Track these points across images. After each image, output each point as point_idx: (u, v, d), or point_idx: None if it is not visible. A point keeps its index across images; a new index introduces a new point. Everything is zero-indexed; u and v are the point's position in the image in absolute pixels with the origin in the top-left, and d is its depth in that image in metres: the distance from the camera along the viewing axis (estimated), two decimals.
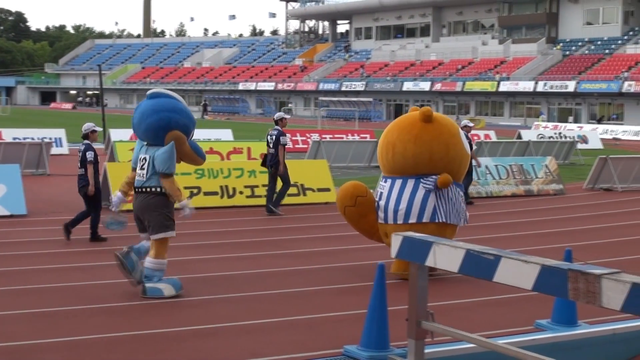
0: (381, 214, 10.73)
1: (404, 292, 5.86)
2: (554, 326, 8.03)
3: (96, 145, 14.06)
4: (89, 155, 13.21)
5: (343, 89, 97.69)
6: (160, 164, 9.46)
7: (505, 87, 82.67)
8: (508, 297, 9.63)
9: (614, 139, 54.05)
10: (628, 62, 78.39)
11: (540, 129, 51.54)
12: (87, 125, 13.48)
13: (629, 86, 72.62)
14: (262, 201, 17.76)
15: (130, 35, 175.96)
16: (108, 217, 10.43)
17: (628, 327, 7.93)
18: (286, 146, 17.15)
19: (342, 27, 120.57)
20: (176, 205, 9.67)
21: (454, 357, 6.86)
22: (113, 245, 12.24)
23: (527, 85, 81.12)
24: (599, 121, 72.98)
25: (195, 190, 17.81)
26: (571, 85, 77.30)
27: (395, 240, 6.21)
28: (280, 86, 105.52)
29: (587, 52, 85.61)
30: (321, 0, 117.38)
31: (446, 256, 5.76)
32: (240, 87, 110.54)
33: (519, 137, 38.29)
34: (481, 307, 9.38)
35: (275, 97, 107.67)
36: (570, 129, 52.93)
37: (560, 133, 45.30)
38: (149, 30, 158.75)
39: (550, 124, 61.32)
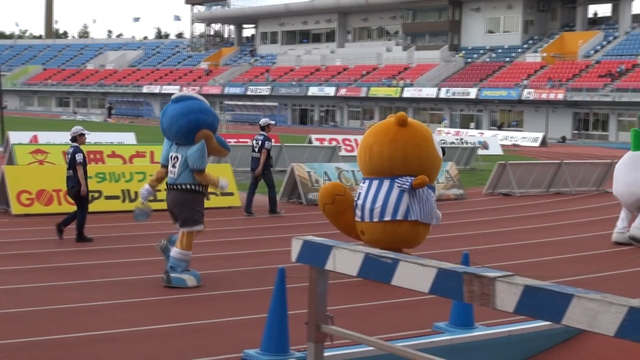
0: (358, 212, 11.37)
1: (304, 296, 5.89)
2: (451, 328, 8.15)
3: None
4: (79, 157, 13.68)
5: (248, 93, 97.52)
6: (193, 162, 10.32)
7: (408, 93, 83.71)
8: (408, 300, 9.76)
9: (514, 145, 55.23)
10: (527, 70, 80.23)
11: (443, 135, 52.31)
12: (76, 129, 14.04)
13: (528, 94, 74.34)
14: (164, 205, 17.58)
15: (32, 36, 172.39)
16: (136, 209, 11.30)
17: (523, 328, 8.10)
18: (269, 150, 18.28)
19: (248, 31, 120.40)
20: (212, 189, 10.79)
21: (353, 359, 6.92)
22: (100, 245, 11.96)
23: (430, 92, 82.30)
24: (500, 127, 74.53)
25: (96, 194, 17.55)
26: (473, 92, 78.75)
27: (296, 244, 6.23)
28: (185, 89, 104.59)
29: (488, 59, 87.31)
30: (227, 4, 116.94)
31: (345, 260, 5.79)
32: (145, 90, 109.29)
33: None
34: (381, 310, 9.48)
35: None
36: (471, 135, 53.91)
37: (461, 139, 46.08)
38: (51, 31, 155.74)
39: (452, 130, 62.29)
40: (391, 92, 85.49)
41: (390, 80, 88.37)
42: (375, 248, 10.52)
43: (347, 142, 38.84)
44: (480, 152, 37.87)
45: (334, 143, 35.05)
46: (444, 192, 22.13)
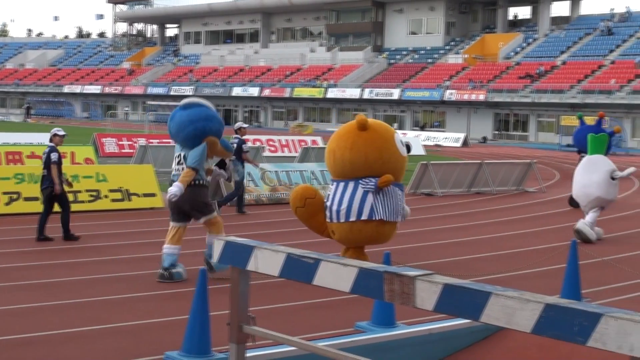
0: (328, 214, 11.77)
1: (226, 297, 5.88)
2: (373, 327, 8.21)
3: None
4: (54, 156, 13.97)
5: (172, 93, 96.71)
6: (191, 159, 10.83)
7: (332, 94, 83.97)
8: (330, 300, 9.79)
9: (436, 145, 55.82)
10: (449, 72, 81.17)
11: None
12: (52, 130, 14.60)
13: (450, 94, 75.20)
14: (85, 206, 17.41)
15: None
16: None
17: (443, 327, 8.20)
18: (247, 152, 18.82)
19: (171, 31, 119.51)
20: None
21: (275, 359, 6.92)
22: (19, 248, 11.67)
23: (353, 93, 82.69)
24: (422, 128, 75.25)
25: (14, 196, 17.25)
26: (396, 93, 79.36)
27: (217, 245, 6.20)
28: (107, 89, 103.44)
29: (411, 61, 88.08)
30: (150, 3, 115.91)
31: (267, 260, 5.79)
32: (66, 89, 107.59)
33: None
34: (303, 310, 9.50)
35: (102, 101, 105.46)
36: None
37: None
38: None
39: None
40: (315, 92, 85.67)
41: (314, 80, 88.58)
42: (346, 246, 11.61)
43: (271, 143, 38.86)
44: None
45: (257, 144, 35.01)
46: None
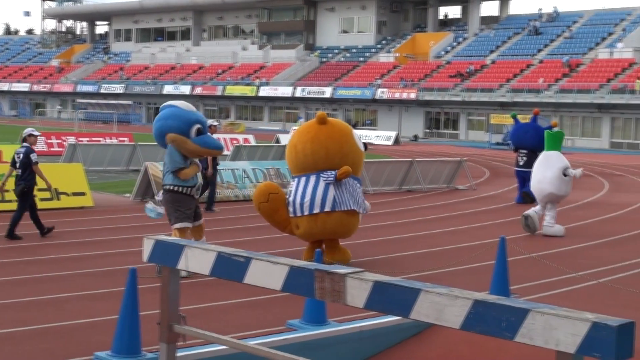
0: (291, 209, 12.14)
1: (157, 296, 5.84)
2: (304, 325, 8.21)
3: None
4: (33, 157, 14.27)
5: (102, 91, 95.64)
6: (166, 165, 11.20)
7: (264, 92, 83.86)
8: (262, 298, 9.77)
9: (368, 143, 56.06)
10: (381, 70, 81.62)
11: None
12: (27, 130, 14.80)
13: (381, 93, 75.64)
14: (13, 206, 17.08)
15: None
16: (150, 204, 12.01)
17: (374, 324, 8.24)
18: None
19: (101, 28, 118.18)
20: (195, 169, 11.24)
21: (206, 359, 6.88)
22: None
23: (285, 91, 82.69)
24: (354, 126, 75.40)
25: None
26: (328, 91, 79.56)
27: (147, 244, 6.15)
28: (35, 87, 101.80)
29: (342, 59, 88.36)
30: (79, 0, 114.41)
31: (198, 259, 5.75)
32: None
33: (277, 141, 38.97)
34: (235, 309, 9.47)
35: (31, 99, 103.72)
36: None
37: None
38: None
39: None
40: (247, 90, 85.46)
41: (247, 79, 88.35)
42: (310, 241, 11.86)
43: None
44: None
45: None
46: None
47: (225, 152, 35.88)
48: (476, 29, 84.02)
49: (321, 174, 11.96)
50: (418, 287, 4.30)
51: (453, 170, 26.35)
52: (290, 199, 12.16)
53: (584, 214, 20.49)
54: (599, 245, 15.51)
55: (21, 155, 14.31)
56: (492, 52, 78.65)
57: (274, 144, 35.26)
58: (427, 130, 74.75)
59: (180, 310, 6.09)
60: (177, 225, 11.21)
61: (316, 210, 11.89)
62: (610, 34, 73.49)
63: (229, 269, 5.52)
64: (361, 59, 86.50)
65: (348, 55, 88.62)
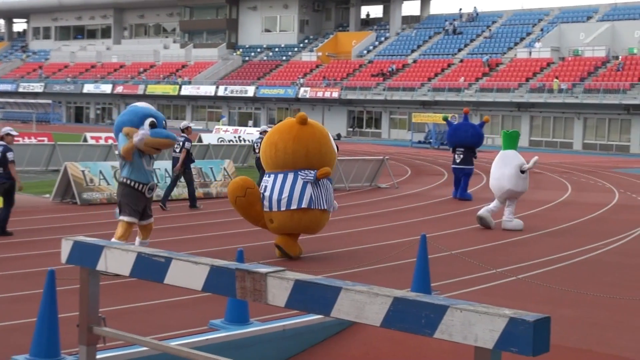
0: (266, 203, 12.66)
1: (77, 298, 5.75)
2: (227, 325, 8.18)
3: None
4: (10, 155, 14.77)
5: (20, 90, 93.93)
6: (120, 151, 11.48)
7: (187, 91, 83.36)
8: (185, 298, 9.70)
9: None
10: (303, 69, 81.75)
11: (221, 133, 52.32)
12: (4, 129, 15.21)
13: (304, 92, 75.78)
14: None
15: None
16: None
17: (297, 322, 8.25)
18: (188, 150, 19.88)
19: (19, 25, 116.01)
20: (134, 140, 11.37)
21: None
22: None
23: (208, 90, 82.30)
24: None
25: None
26: (251, 90, 79.42)
27: (66, 245, 6.05)
28: None
29: (265, 58, 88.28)
30: None
31: (117, 260, 5.68)
32: None
33: (200, 140, 38.72)
34: (156, 310, 9.38)
35: None
36: (250, 133, 54.18)
37: (240, 137, 46.29)
38: None
39: (230, 128, 62.46)
40: (169, 89, 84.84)
41: (168, 77, 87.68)
42: (282, 235, 12.35)
43: None
44: None
45: (110, 142, 34.36)
46: (222, 189, 22.18)
47: None
48: (398, 29, 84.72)
49: (299, 173, 12.56)
50: (338, 286, 4.31)
51: (375, 169, 26.51)
52: (266, 194, 12.67)
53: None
54: (518, 242, 15.77)
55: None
56: (413, 51, 79.39)
57: (197, 144, 35.01)
58: (350, 129, 75.12)
59: (101, 312, 6.01)
60: (124, 218, 11.47)
61: (294, 206, 12.50)
62: (528, 33, 74.79)
63: (149, 270, 5.47)
64: (284, 58, 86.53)
65: (271, 54, 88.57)
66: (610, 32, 67.51)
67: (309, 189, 12.58)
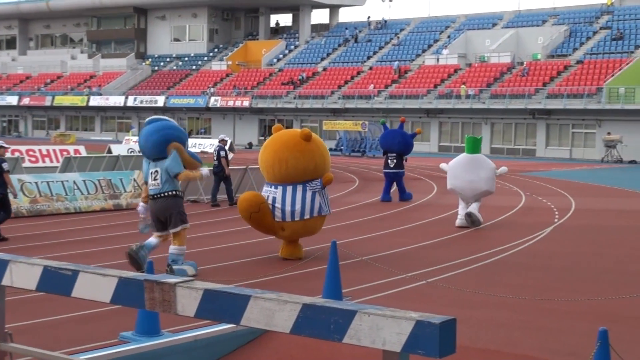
0: (279, 214, 13.64)
1: None
2: (137, 337, 8.10)
3: None
4: (5, 165, 16.05)
5: None
6: (172, 169, 12.19)
7: (95, 101, 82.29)
8: (94, 311, 9.56)
9: (202, 152, 55.79)
10: (214, 78, 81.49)
11: (131, 144, 51.78)
12: None
13: (215, 101, 75.51)
14: None
15: None
16: (140, 224, 13.06)
17: (209, 332, 8.22)
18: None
19: None
20: (196, 174, 12.81)
21: None
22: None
23: (117, 100, 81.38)
24: (189, 135, 74.98)
25: None
26: (161, 100, 78.81)
27: None
28: None
29: (175, 67, 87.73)
30: None
31: (23, 274, 5.59)
32: None
33: (109, 151, 38.27)
34: (66, 324, 9.24)
35: None
36: None
37: None
38: None
39: None
40: (77, 100, 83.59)
41: (76, 88, 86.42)
42: (287, 245, 13.52)
43: (31, 153, 37.52)
44: None
45: (17, 154, 33.74)
46: (132, 200, 21.95)
47: (55, 164, 34.97)
48: (307, 37, 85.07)
49: (308, 185, 13.69)
50: (247, 294, 4.31)
51: None
52: (278, 205, 13.66)
53: (415, 215, 21.05)
54: (428, 246, 15.98)
55: None
56: (323, 59, 79.81)
57: (106, 155, 34.57)
58: (262, 138, 75.02)
59: (7, 328, 5.91)
60: (186, 226, 12.50)
61: (306, 216, 13.66)
62: (436, 41, 75.86)
63: (56, 283, 5.39)
64: (194, 67, 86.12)
65: (180, 63, 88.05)
66: (515, 38, 68.94)
67: (317, 199, 13.78)
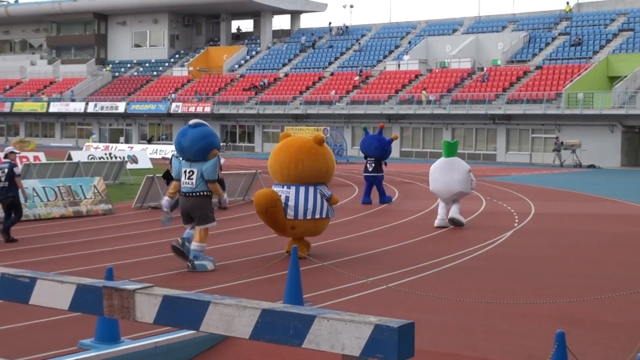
0: (291, 212, 14.45)
1: None
2: (97, 345, 8.05)
3: None
4: (17, 170, 16.92)
5: None
6: (209, 174, 13.35)
7: (55, 108, 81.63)
8: (53, 319, 9.47)
9: (163, 158, 55.47)
10: (175, 84, 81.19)
11: (92, 150, 51.46)
12: (7, 148, 17.63)
13: (176, 107, 75.22)
14: None
15: None
16: (163, 216, 14.72)
17: (169, 339, 8.17)
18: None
19: None
20: (221, 193, 13.94)
21: None
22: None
23: (78, 106, 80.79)
24: (149, 141, 74.69)
25: None
26: (121, 106, 78.35)
27: None
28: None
29: (136, 73, 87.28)
30: None
31: None
32: None
33: (69, 158, 37.99)
34: (25, 332, 9.14)
35: None
36: (121, 149, 53.51)
37: (111, 153, 45.62)
38: None
39: (101, 145, 61.49)
40: (37, 107, 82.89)
41: (36, 94, 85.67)
42: (296, 241, 14.62)
43: None
44: (130, 166, 37.78)
45: None
46: (92, 207, 21.81)
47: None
48: (269, 43, 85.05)
49: (320, 188, 14.69)
50: (207, 300, 4.32)
51: (248, 183, 26.52)
52: (291, 203, 14.47)
53: (376, 220, 21.11)
54: (389, 251, 16.03)
55: (6, 170, 16.64)
56: (284, 65, 79.82)
57: (66, 161, 34.31)
58: (223, 144, 74.84)
59: None
60: (212, 224, 13.63)
61: (317, 215, 14.59)
62: (397, 46, 76.16)
63: (14, 291, 5.35)
64: (155, 73, 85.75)
65: (141, 69, 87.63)
66: (475, 44, 69.41)
67: (325, 202, 14.75)
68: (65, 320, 9.43)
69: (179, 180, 13.56)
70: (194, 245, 13.33)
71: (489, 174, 42.44)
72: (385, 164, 26.52)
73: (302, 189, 14.56)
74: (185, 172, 13.40)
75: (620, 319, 10.17)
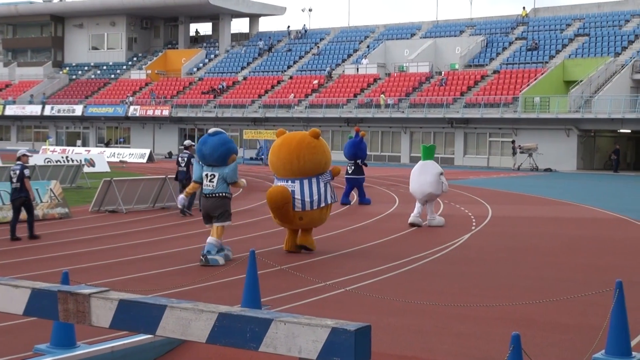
0: (299, 205, 15.47)
1: None
2: (52, 350, 7.97)
3: None
4: (27, 172, 17.58)
5: None
6: (231, 177, 14.69)
7: (11, 111, 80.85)
8: (8, 324, 9.37)
9: (121, 161, 55.19)
10: (133, 87, 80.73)
11: (48, 153, 51.03)
12: (20, 151, 18.44)
13: (134, 110, 74.81)
14: None
15: None
16: (181, 202, 17.21)
17: (126, 343, 8.12)
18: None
19: None
20: (241, 183, 15.22)
21: None
22: None
23: (34, 109, 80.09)
24: (107, 144, 74.19)
25: None
26: (78, 109, 77.76)
27: None
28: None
29: (93, 76, 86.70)
30: None
31: None
32: None
33: None
34: None
35: None
36: (78, 153, 53.07)
37: (67, 157, 45.24)
38: None
39: (58, 148, 60.97)
40: None
41: None
42: (303, 234, 15.84)
43: None
44: (87, 169, 37.50)
45: None
46: (48, 211, 21.61)
47: None
48: (227, 46, 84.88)
49: (320, 177, 15.71)
50: (163, 304, 4.29)
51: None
52: (297, 197, 15.44)
53: (336, 224, 21.12)
54: (347, 255, 16.05)
55: (17, 172, 17.37)
56: (243, 68, 79.69)
57: None
58: (181, 147, 74.52)
59: None
60: (228, 223, 14.82)
61: (322, 204, 15.62)
62: (355, 50, 76.36)
63: None
64: (112, 76, 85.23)
65: (99, 72, 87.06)
66: (433, 48, 69.80)
67: (328, 188, 15.84)
68: (20, 325, 9.34)
69: (198, 182, 14.92)
70: (210, 239, 14.43)
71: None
72: (365, 165, 27.44)
73: (305, 182, 15.59)
74: (206, 175, 14.69)
75: (575, 321, 10.28)
